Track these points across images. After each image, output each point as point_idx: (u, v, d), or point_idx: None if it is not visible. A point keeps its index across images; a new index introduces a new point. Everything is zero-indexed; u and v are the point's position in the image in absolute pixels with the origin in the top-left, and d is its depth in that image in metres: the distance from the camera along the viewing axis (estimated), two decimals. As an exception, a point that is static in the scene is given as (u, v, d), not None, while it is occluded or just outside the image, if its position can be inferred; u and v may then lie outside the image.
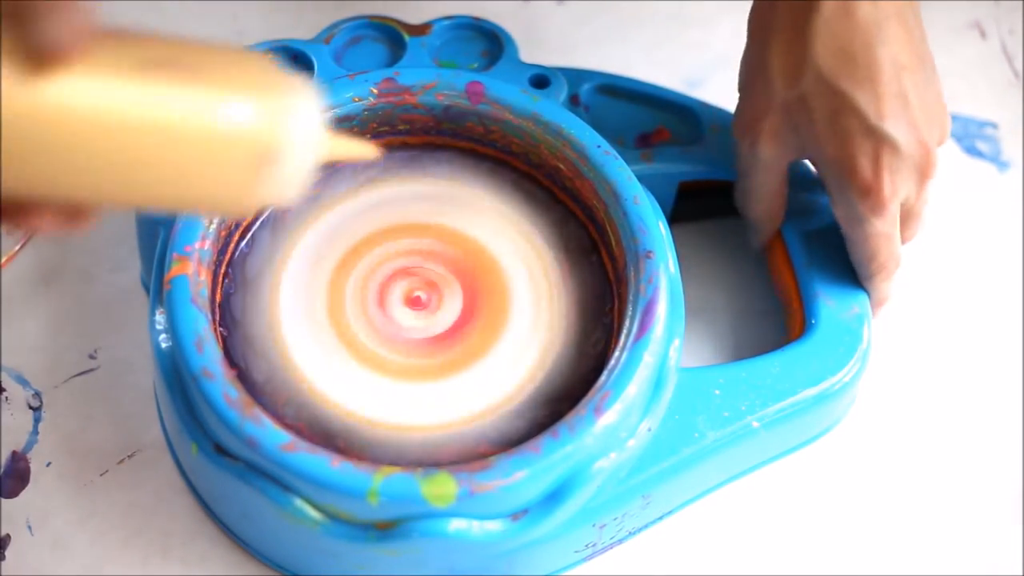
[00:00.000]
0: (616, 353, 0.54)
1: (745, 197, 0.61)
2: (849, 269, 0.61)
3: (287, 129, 0.41)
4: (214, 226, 0.56)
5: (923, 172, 0.56)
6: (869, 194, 0.56)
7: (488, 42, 0.63)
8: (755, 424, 0.57)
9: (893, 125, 0.55)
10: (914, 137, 0.55)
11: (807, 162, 0.62)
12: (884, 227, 0.57)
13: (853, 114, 0.55)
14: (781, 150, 0.58)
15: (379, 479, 0.51)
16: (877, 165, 0.55)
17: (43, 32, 0.37)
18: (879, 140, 0.55)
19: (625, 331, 0.55)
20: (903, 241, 0.59)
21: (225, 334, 0.57)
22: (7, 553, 0.58)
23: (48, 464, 0.60)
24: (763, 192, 0.60)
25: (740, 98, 0.59)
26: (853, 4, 0.54)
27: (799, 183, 0.62)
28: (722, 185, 0.63)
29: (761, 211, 0.61)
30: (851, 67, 0.55)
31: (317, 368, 0.56)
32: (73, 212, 0.41)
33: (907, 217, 0.58)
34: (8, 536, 0.58)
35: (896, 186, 0.56)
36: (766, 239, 0.63)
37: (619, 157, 0.59)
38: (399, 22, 0.63)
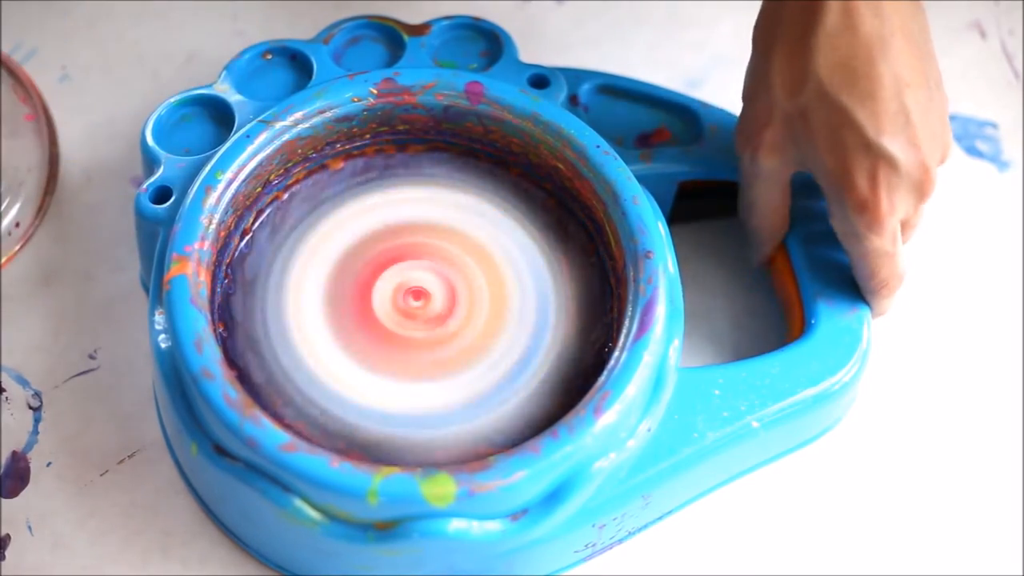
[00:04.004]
0: (616, 353, 0.54)
1: (748, 210, 0.61)
2: (850, 270, 0.61)
3: None
4: (213, 226, 0.56)
5: (921, 191, 0.56)
6: (865, 210, 0.56)
7: (487, 42, 0.63)
8: (755, 424, 0.57)
9: (892, 142, 0.55)
10: (914, 156, 0.55)
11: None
12: (883, 245, 0.57)
13: (852, 129, 0.55)
14: (781, 162, 0.58)
15: (379, 479, 0.51)
16: (874, 182, 0.55)
17: None
18: (877, 157, 0.55)
19: (624, 331, 0.55)
20: None
21: (225, 334, 0.57)
22: (7, 553, 0.58)
23: (48, 464, 0.60)
24: (765, 205, 0.60)
25: (743, 109, 0.58)
26: (857, 18, 0.54)
27: (801, 189, 0.62)
28: (722, 185, 0.63)
29: (763, 225, 0.61)
30: (852, 82, 0.54)
31: (317, 368, 0.56)
32: None
33: (902, 228, 0.58)
34: (8, 536, 0.58)
35: (894, 204, 0.56)
36: (768, 254, 0.62)
37: (618, 157, 0.58)
38: (398, 22, 0.63)
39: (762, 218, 0.61)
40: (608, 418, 0.53)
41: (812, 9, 0.54)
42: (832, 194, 0.57)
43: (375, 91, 0.60)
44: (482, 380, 0.56)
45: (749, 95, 0.58)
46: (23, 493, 0.59)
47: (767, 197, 0.60)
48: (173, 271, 0.55)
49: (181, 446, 0.56)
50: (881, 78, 0.54)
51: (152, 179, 0.59)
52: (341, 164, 0.61)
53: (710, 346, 0.63)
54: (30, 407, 0.61)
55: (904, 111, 0.55)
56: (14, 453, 0.60)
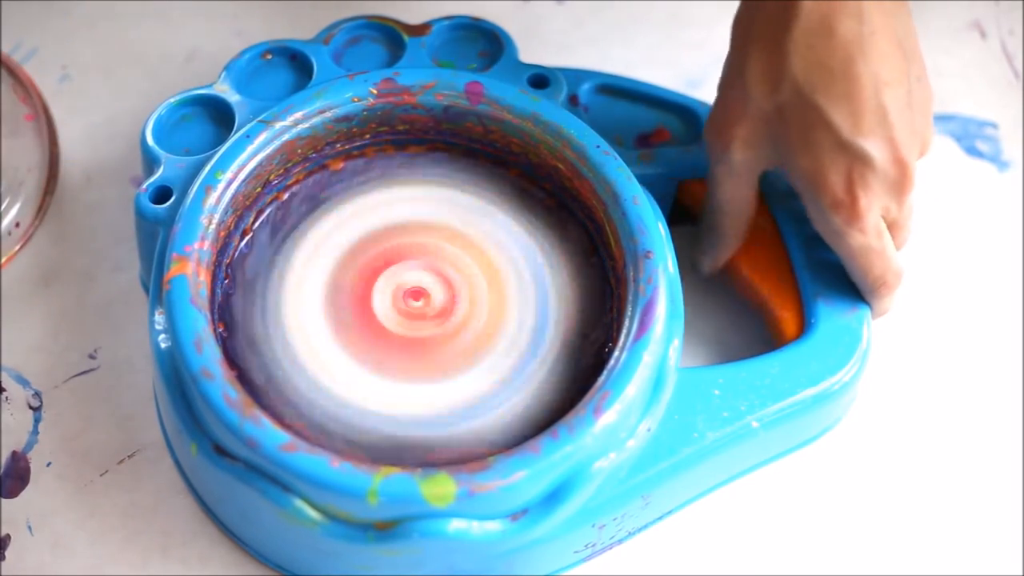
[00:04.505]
0: (615, 353, 0.55)
1: (717, 210, 0.60)
2: (849, 269, 0.61)
3: None
4: (213, 226, 0.56)
5: (900, 188, 0.56)
6: (841, 208, 0.55)
7: (487, 42, 0.63)
8: (755, 424, 0.57)
9: (867, 141, 0.54)
10: (890, 152, 0.55)
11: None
12: (867, 240, 0.57)
13: (827, 129, 0.54)
14: (753, 157, 0.57)
15: (379, 479, 0.51)
16: (849, 181, 0.55)
17: None
18: (852, 156, 0.55)
19: (624, 331, 0.55)
20: None
21: (225, 334, 0.57)
22: (7, 553, 0.58)
23: (48, 464, 0.60)
24: (735, 204, 0.59)
25: (715, 101, 0.58)
26: (835, 17, 0.53)
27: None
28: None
29: (731, 225, 0.60)
30: (829, 82, 0.54)
31: (317, 368, 0.56)
32: None
33: (890, 228, 0.58)
34: (8, 536, 0.58)
35: (871, 200, 0.55)
36: (725, 259, 0.62)
37: (618, 157, 0.58)
38: (398, 22, 0.63)
39: (732, 217, 0.60)
40: (608, 418, 0.53)
41: (788, 8, 0.54)
42: (807, 194, 0.56)
43: (375, 91, 0.60)
44: (482, 380, 0.56)
45: (723, 88, 0.57)
46: (23, 493, 0.59)
47: (738, 195, 0.59)
48: (173, 271, 0.55)
49: (181, 446, 0.56)
50: (859, 78, 0.54)
51: (152, 179, 0.59)
52: (341, 164, 0.61)
53: (710, 346, 0.63)
54: (30, 407, 0.61)
55: (882, 109, 0.54)
56: (14, 453, 0.60)
